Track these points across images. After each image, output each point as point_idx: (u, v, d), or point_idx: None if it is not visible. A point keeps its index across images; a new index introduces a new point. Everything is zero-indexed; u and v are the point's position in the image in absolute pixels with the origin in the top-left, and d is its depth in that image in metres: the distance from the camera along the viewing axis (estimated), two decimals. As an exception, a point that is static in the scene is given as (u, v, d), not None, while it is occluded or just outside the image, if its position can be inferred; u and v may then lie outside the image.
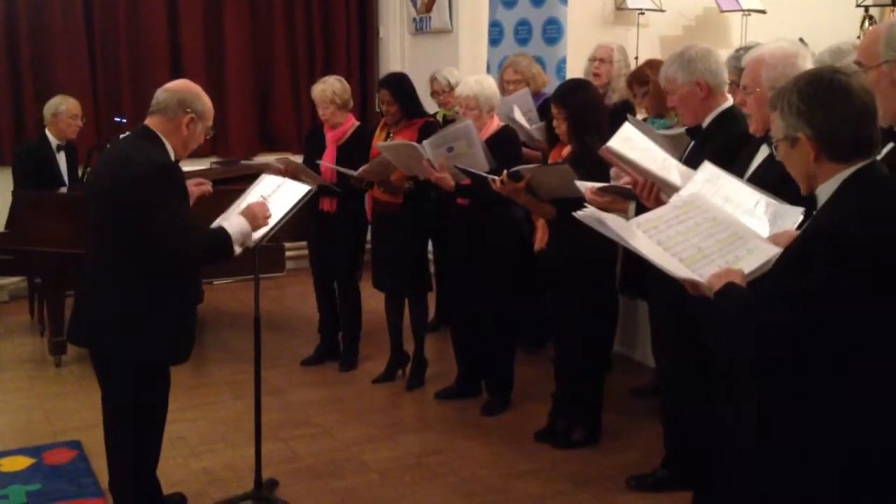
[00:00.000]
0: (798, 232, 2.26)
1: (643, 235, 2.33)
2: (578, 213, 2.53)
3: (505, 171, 4.04)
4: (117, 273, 3.08)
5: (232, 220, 3.26)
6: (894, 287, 1.94)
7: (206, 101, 3.21)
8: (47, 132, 6.02)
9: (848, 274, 1.92)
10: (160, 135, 3.12)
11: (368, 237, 5.43)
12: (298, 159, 5.24)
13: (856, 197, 2.01)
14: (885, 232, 1.95)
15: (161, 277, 3.08)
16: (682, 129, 4.03)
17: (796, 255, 2.05)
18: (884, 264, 1.94)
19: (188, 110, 3.13)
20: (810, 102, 2.03)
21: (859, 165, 2.03)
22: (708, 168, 2.76)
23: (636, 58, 6.90)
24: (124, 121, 6.29)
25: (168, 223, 3.00)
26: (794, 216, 2.45)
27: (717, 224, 2.35)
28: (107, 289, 3.10)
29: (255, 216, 3.30)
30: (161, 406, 3.33)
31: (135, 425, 3.21)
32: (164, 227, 2.99)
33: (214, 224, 3.31)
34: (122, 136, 3.48)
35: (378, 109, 5.14)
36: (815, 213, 2.10)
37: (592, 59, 5.26)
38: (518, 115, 4.90)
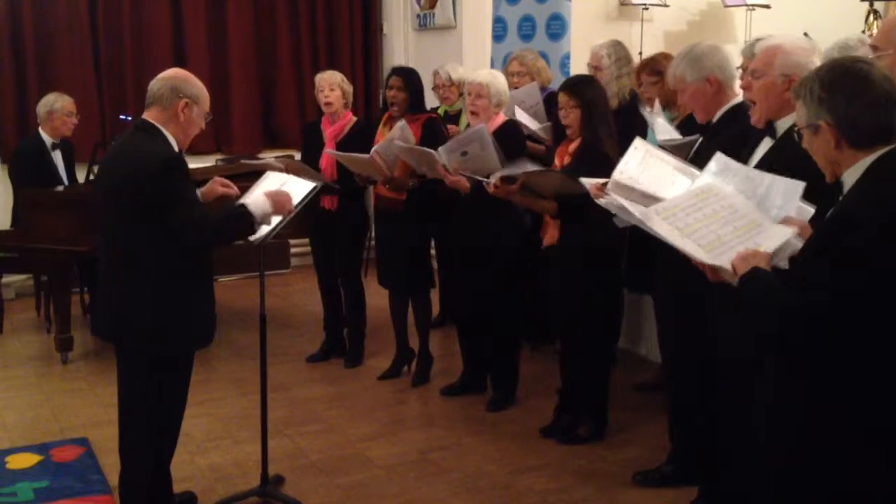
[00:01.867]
0: (805, 222, 2.27)
1: (663, 222, 2.33)
2: (601, 201, 2.53)
3: (498, 176, 4.05)
4: (134, 266, 3.10)
5: (255, 198, 3.28)
6: None
7: (198, 85, 3.22)
8: (41, 131, 5.99)
9: (875, 258, 1.93)
10: (160, 126, 3.14)
11: (370, 234, 5.44)
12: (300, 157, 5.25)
13: (882, 182, 2.02)
14: None
15: (177, 267, 3.11)
16: (690, 138, 4.01)
17: (823, 239, 2.05)
18: None
19: (181, 95, 3.15)
20: (831, 90, 2.05)
21: (882, 151, 2.05)
22: (720, 159, 2.74)
23: (640, 53, 6.89)
24: (129, 119, 6.29)
25: (186, 212, 3.03)
26: (798, 192, 2.43)
27: (734, 212, 2.34)
28: (125, 282, 3.13)
29: (280, 202, 3.31)
30: (180, 400, 3.35)
31: (153, 418, 3.23)
32: (183, 218, 3.02)
33: None
34: (127, 132, 3.50)
35: (381, 106, 5.14)
36: (841, 198, 2.11)
37: (590, 66, 5.21)
38: (521, 116, 4.89)
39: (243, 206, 3.22)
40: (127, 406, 3.28)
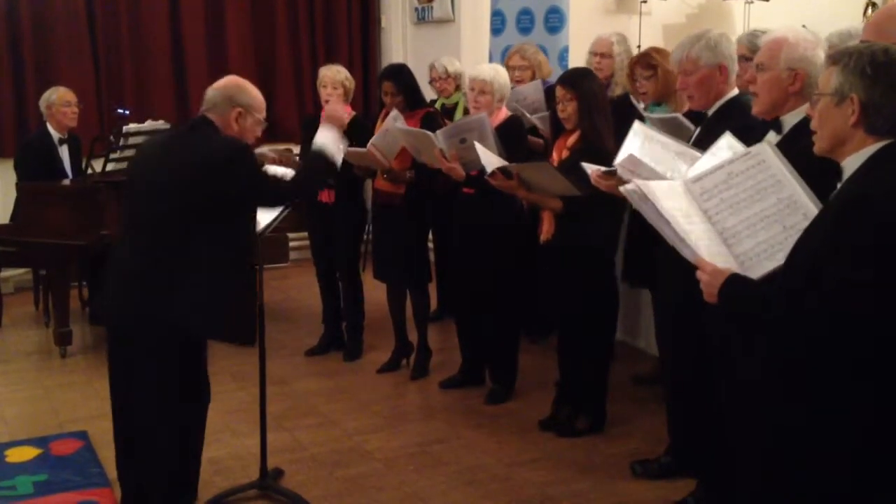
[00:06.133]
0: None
1: (689, 202, 2.28)
2: (625, 188, 2.47)
3: (496, 168, 4.06)
4: (186, 257, 3.05)
5: (318, 136, 3.44)
6: None
7: (252, 93, 3.22)
8: (48, 126, 6.01)
9: (876, 246, 1.92)
10: (221, 128, 3.17)
11: (368, 228, 5.44)
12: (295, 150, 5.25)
13: (884, 170, 2.01)
14: None
15: (230, 260, 3.12)
16: (674, 115, 4.03)
17: (821, 227, 2.05)
18: None
19: (234, 104, 3.15)
20: (878, 70, 2.03)
21: (888, 142, 2.05)
22: (730, 139, 2.71)
23: (638, 46, 6.88)
24: (127, 112, 6.30)
25: (269, 182, 3.25)
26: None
27: (777, 183, 2.28)
28: (168, 273, 3.05)
29: (338, 117, 3.50)
30: (203, 392, 3.34)
31: (177, 414, 3.19)
32: (272, 186, 3.24)
33: None
34: (184, 125, 3.52)
35: (380, 101, 5.14)
36: (840, 185, 2.10)
37: (593, 54, 5.21)
38: (524, 112, 4.89)
39: (317, 151, 3.41)
40: (141, 403, 3.21)
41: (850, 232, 1.95)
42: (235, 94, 3.18)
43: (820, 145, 2.15)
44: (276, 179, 3.31)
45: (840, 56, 2.09)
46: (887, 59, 2.04)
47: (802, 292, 2.00)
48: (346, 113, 3.47)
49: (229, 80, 3.27)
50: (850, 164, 2.08)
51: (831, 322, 1.97)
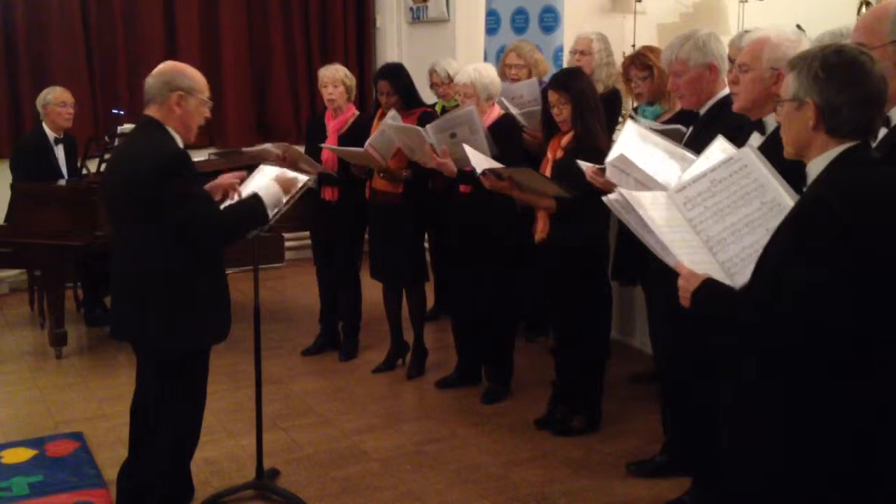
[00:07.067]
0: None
1: (674, 212, 2.29)
2: (608, 198, 2.46)
3: (488, 170, 4.06)
4: (140, 266, 3.07)
5: (265, 185, 3.30)
6: (884, 259, 1.95)
7: (191, 75, 3.18)
8: (44, 126, 6.01)
9: (839, 247, 1.93)
10: (161, 122, 3.11)
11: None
12: (297, 147, 5.25)
13: (845, 174, 2.03)
14: (873, 206, 1.97)
15: (184, 265, 3.08)
16: (676, 126, 4.03)
17: (784, 231, 2.06)
18: (873, 237, 1.95)
19: (173, 88, 3.11)
20: (830, 73, 2.03)
21: (851, 144, 2.05)
22: (723, 142, 2.72)
23: (633, 45, 6.89)
24: (122, 113, 6.28)
25: (197, 207, 3.02)
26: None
27: (760, 187, 2.30)
28: (133, 283, 3.09)
29: (287, 182, 3.36)
30: (198, 398, 3.34)
31: (171, 419, 3.20)
32: (194, 212, 3.01)
33: None
34: (131, 129, 3.50)
35: (375, 101, 5.14)
36: (805, 189, 2.11)
37: (573, 52, 5.21)
38: (509, 105, 4.88)
39: (255, 194, 3.24)
40: (143, 405, 3.25)
41: (810, 235, 1.96)
42: (172, 78, 3.13)
43: (787, 150, 2.16)
44: (210, 202, 3.11)
45: (797, 61, 2.10)
46: (839, 60, 2.04)
47: (770, 296, 2.00)
48: (298, 184, 3.42)
49: (166, 65, 3.22)
50: (814, 167, 2.09)
51: (804, 324, 1.98)
